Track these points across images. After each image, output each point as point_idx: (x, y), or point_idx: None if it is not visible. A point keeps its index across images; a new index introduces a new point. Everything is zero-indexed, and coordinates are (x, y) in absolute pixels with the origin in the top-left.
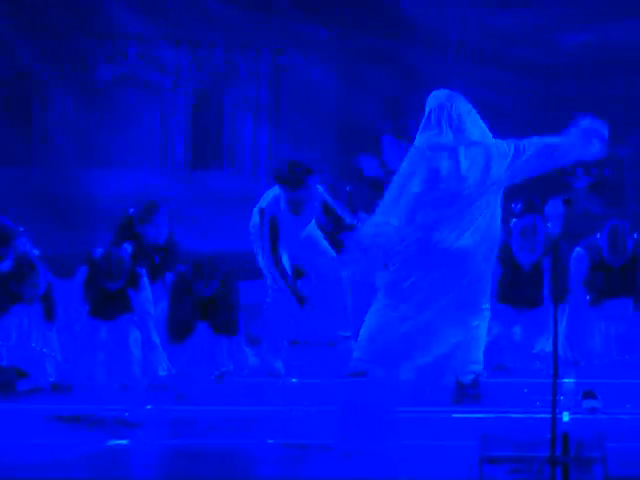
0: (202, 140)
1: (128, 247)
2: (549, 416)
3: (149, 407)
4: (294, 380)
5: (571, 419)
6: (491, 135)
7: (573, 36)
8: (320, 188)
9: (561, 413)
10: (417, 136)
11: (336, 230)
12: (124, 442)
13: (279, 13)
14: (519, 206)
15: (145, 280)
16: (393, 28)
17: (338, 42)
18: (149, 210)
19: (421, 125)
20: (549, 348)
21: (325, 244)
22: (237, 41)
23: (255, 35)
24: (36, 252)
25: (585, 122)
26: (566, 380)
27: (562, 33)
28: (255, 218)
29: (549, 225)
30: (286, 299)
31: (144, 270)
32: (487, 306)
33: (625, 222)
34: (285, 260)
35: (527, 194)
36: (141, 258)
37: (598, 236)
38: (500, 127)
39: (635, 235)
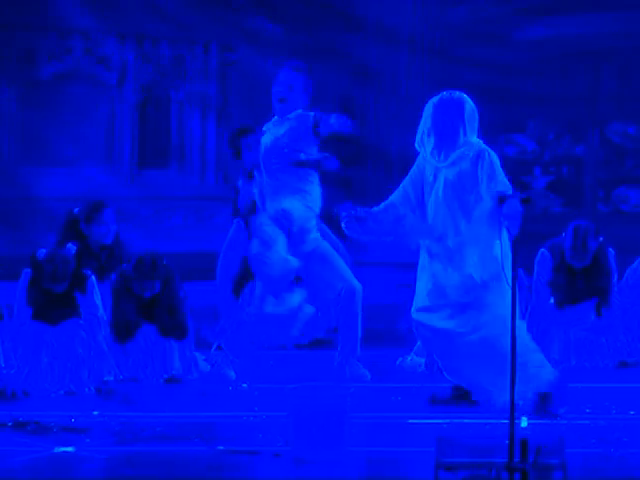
0: (149, 138)
1: (73, 247)
2: (507, 421)
3: (95, 413)
4: (244, 385)
5: (530, 424)
6: None
7: (528, 31)
8: None
9: (519, 418)
10: None
11: None
12: (70, 449)
13: (227, 7)
14: None
15: (92, 281)
16: (344, 23)
17: (288, 37)
18: (94, 209)
19: None
20: None
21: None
22: (184, 36)
23: (203, 30)
24: None
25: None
26: None
27: (517, 28)
28: None
29: (505, 224)
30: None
31: (90, 271)
32: None
33: (590, 223)
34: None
35: None
36: (87, 259)
37: (563, 235)
38: None
39: (601, 238)
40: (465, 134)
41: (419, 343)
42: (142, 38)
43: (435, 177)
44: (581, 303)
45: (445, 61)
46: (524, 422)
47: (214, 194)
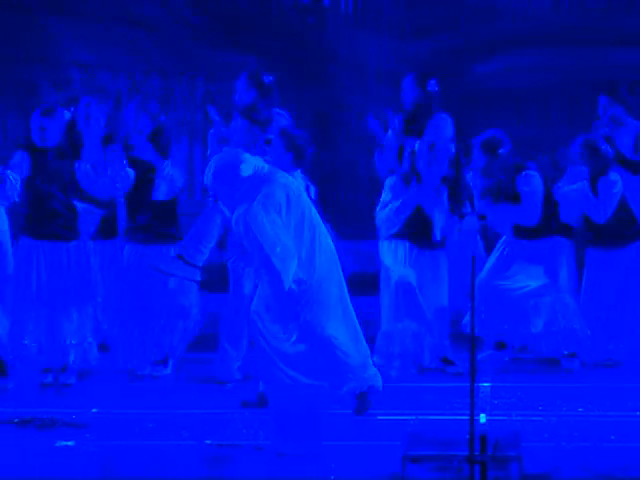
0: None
1: None
2: (467, 417)
3: (94, 410)
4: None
5: (488, 420)
6: None
7: (484, 64)
8: None
9: (478, 415)
10: None
11: None
12: (71, 443)
13: (209, 43)
14: None
15: None
16: (318, 57)
17: (266, 68)
18: None
19: None
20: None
21: None
22: (172, 69)
23: (188, 63)
24: None
25: None
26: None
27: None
28: None
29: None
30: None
31: None
32: None
33: None
34: None
35: None
36: None
37: None
38: None
39: None
40: None
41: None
42: (133, 71)
43: None
44: None
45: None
46: (483, 418)
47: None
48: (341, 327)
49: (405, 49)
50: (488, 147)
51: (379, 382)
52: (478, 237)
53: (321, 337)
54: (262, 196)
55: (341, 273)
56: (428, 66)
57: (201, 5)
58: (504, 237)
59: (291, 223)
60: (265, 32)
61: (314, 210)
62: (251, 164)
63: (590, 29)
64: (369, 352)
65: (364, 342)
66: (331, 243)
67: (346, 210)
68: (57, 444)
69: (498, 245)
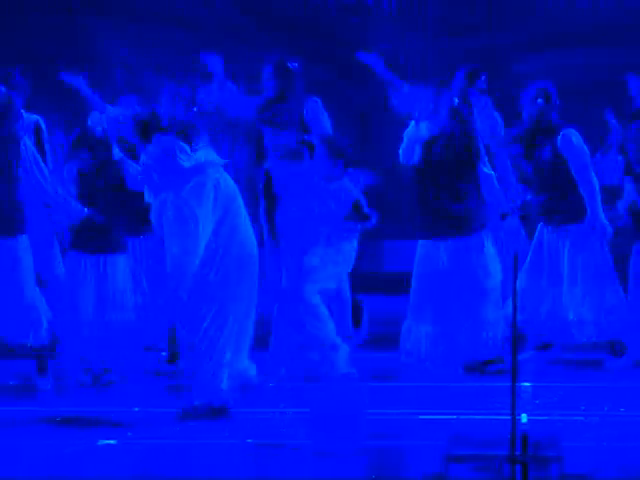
0: None
1: None
2: (509, 417)
3: (136, 409)
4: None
5: (529, 420)
6: None
7: (523, 63)
8: None
9: (520, 415)
10: None
11: None
12: (113, 442)
13: (252, 44)
14: None
15: None
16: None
17: (309, 68)
18: None
19: None
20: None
21: None
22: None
23: (232, 64)
24: None
25: None
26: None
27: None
28: None
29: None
30: None
31: None
32: None
33: None
34: None
35: None
36: None
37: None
38: None
39: None
40: None
41: None
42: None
43: None
44: None
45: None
46: (524, 418)
47: None
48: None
49: (446, 48)
50: None
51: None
52: (522, 231)
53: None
54: (193, 186)
55: (254, 283)
56: (474, 66)
57: (245, 5)
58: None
59: (213, 218)
60: (308, 32)
61: (243, 213)
62: (187, 154)
63: (628, 28)
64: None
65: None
66: (250, 246)
67: (388, 210)
68: (99, 443)
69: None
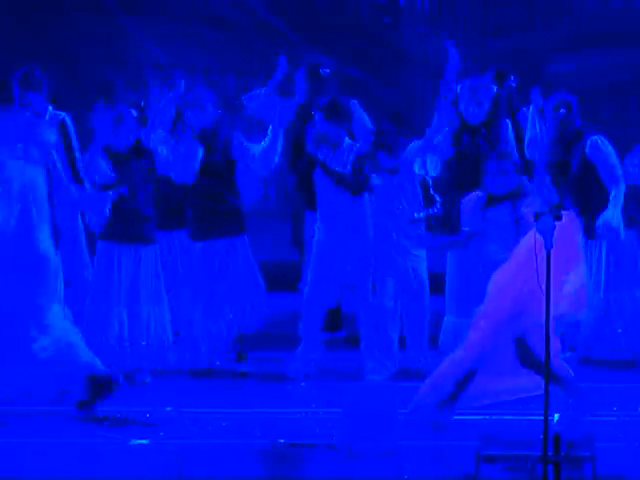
0: None
1: None
2: (541, 418)
3: (169, 409)
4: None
5: (561, 420)
6: None
7: (559, 64)
8: None
9: (552, 415)
10: None
11: None
12: (145, 442)
13: (285, 43)
14: None
15: None
16: (394, 56)
17: (342, 68)
18: None
19: None
20: None
21: None
22: (248, 69)
23: (264, 63)
24: None
25: None
26: None
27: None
28: None
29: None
30: None
31: None
32: None
33: None
34: None
35: None
36: None
37: None
38: None
39: None
40: None
41: None
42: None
43: None
44: None
45: None
46: (556, 418)
47: None
48: None
49: (479, 49)
50: None
51: None
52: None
53: None
54: None
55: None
56: (503, 66)
57: (277, 5)
58: None
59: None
60: (341, 32)
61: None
62: None
63: None
64: None
65: None
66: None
67: None
68: (131, 442)
69: None
